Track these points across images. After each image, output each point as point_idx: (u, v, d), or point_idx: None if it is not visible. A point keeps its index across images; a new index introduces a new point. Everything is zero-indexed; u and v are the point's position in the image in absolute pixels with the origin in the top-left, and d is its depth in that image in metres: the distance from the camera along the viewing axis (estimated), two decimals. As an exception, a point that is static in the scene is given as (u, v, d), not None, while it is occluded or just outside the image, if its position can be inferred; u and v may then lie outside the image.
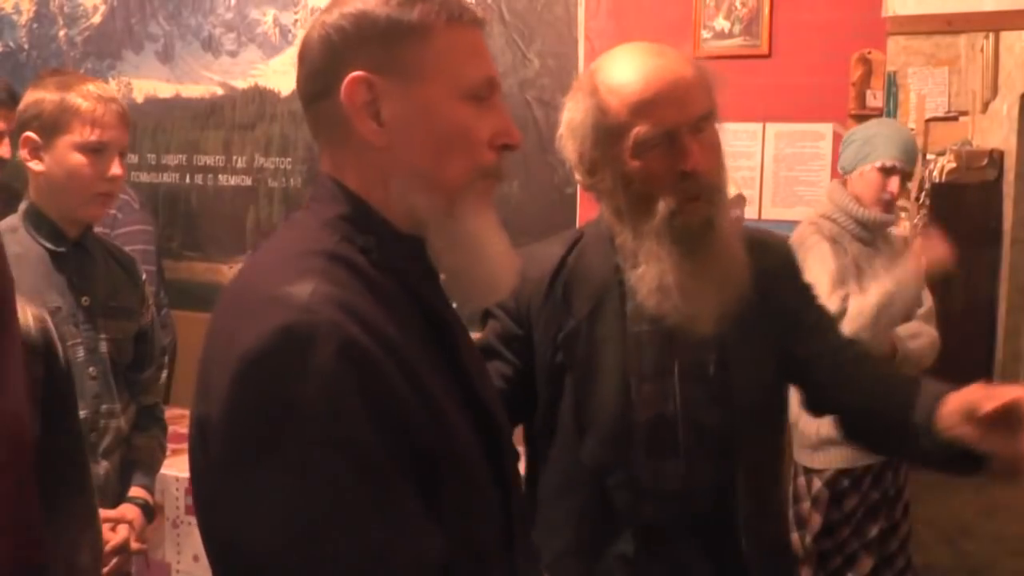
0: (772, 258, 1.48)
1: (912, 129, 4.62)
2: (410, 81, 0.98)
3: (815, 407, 1.53)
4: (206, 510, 0.93)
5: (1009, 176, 4.15)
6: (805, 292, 1.53)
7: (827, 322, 1.53)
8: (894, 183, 2.61)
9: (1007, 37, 4.06)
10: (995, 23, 3.16)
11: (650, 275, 1.35)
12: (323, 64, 1.00)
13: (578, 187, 3.29)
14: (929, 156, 4.50)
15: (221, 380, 0.87)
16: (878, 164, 2.58)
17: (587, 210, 3.25)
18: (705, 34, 3.09)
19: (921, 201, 4.43)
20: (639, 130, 1.31)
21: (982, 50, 4.47)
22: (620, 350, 1.39)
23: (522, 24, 3.37)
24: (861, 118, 2.91)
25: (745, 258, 1.38)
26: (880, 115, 3.02)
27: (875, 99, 3.08)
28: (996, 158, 4.26)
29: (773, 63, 2.96)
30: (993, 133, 4.45)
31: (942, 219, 4.10)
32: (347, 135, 0.99)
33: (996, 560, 3.37)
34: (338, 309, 0.88)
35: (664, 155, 1.32)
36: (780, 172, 3.07)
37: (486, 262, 1.02)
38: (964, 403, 1.23)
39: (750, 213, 3.09)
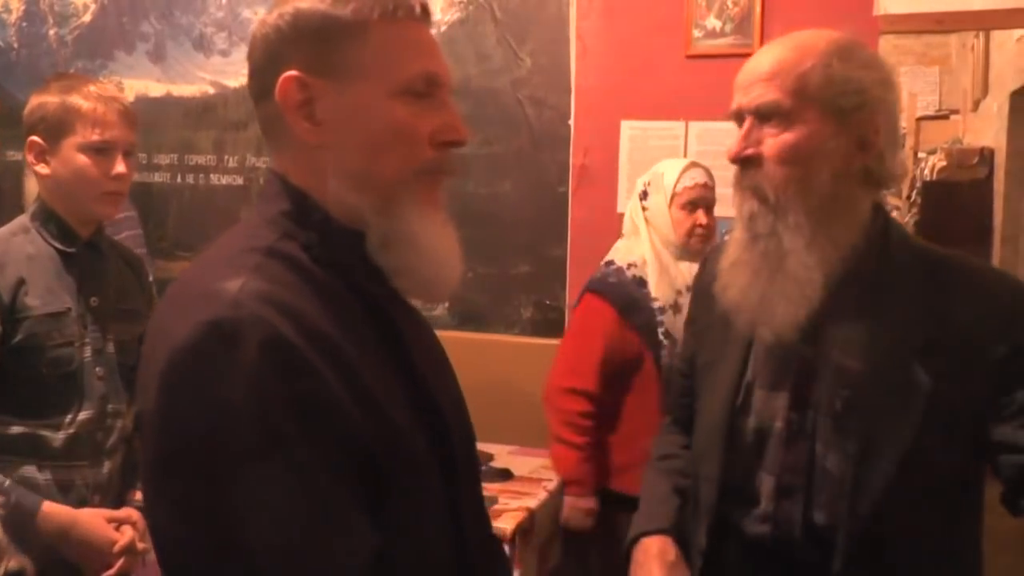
0: (975, 306, 1.24)
1: (903, 127, 4.65)
2: (344, 79, 0.97)
3: (1010, 506, 1.28)
4: (144, 503, 0.93)
5: (999, 174, 4.16)
6: (1016, 367, 1.22)
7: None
8: None
9: (997, 36, 4.07)
10: (985, 22, 3.17)
11: (724, 263, 1.34)
12: (263, 64, 1.00)
13: (570, 185, 3.30)
14: (920, 154, 4.52)
15: (152, 376, 0.88)
16: None
17: (579, 209, 3.25)
18: (696, 33, 3.10)
19: (912, 199, 4.44)
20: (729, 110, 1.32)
21: (972, 49, 4.49)
22: (743, 351, 1.36)
23: (514, 23, 3.36)
24: (852, 117, 2.91)
25: (815, 274, 1.24)
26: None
27: (866, 98, 3.08)
28: (987, 156, 4.27)
29: (765, 62, 2.96)
30: (984, 131, 4.46)
31: (933, 217, 4.12)
32: (286, 134, 1.00)
33: (988, 556, 3.38)
34: (267, 305, 0.87)
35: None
36: (772, 170, 3.07)
37: (426, 261, 1.01)
38: None
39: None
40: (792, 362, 1.30)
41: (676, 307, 2.37)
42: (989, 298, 1.25)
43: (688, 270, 2.38)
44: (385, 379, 0.96)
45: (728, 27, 3.06)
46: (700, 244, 2.39)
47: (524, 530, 2.41)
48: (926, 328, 1.23)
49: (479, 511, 1.13)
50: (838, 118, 1.23)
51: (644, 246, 2.44)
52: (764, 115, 1.25)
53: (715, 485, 1.36)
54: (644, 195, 2.48)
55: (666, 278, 2.40)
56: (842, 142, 1.23)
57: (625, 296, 2.39)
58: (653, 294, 2.39)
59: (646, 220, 2.46)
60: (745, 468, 1.34)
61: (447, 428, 1.03)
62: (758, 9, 3.02)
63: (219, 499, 0.84)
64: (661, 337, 2.36)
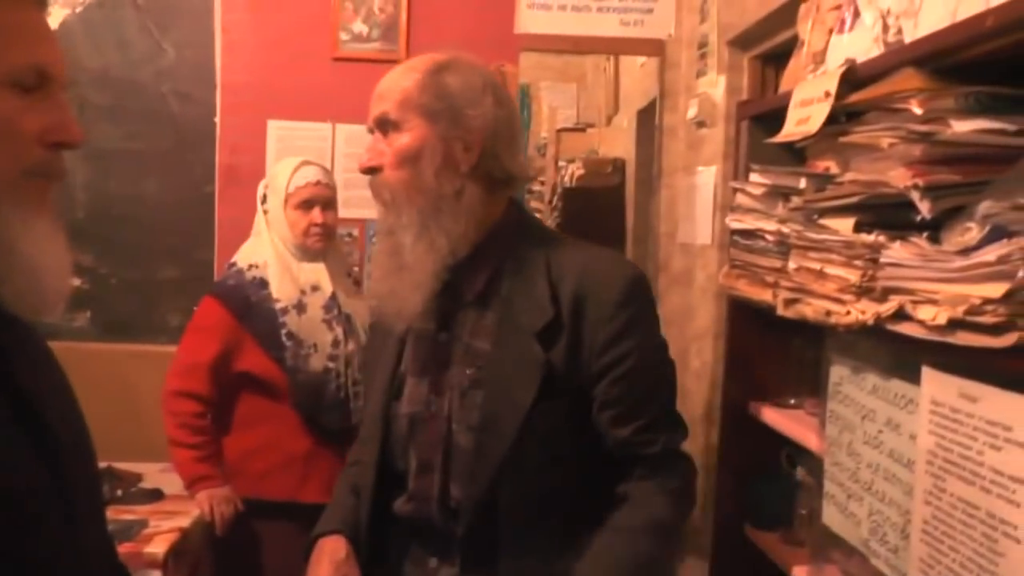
0: (589, 290, 1.37)
1: (545, 137, 4.98)
2: None
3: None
4: None
5: (630, 182, 4.57)
6: (612, 356, 1.36)
7: (610, 413, 1.37)
8: None
9: (626, 60, 4.49)
10: (615, 47, 3.49)
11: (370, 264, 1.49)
12: None
13: (216, 185, 3.18)
14: (561, 163, 4.87)
15: None
16: None
17: (226, 210, 3.14)
18: (343, 36, 3.12)
19: (554, 204, 4.77)
20: None
21: (605, 70, 4.92)
22: (399, 343, 1.47)
23: (157, 10, 3.18)
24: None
25: (425, 264, 1.36)
26: (514, 123, 3.20)
27: (509, 108, 3.26)
28: (619, 165, 4.70)
29: (413, 69, 3.04)
30: (616, 143, 4.91)
31: (574, 219, 4.44)
32: None
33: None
34: None
35: None
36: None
37: (29, 272, 0.91)
38: None
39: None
40: (433, 349, 1.43)
41: (300, 307, 2.37)
42: (602, 283, 1.38)
43: (311, 270, 2.40)
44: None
45: (375, 32, 3.12)
46: (319, 243, 2.40)
47: (177, 552, 2.28)
48: (546, 309, 1.36)
49: (102, 545, 1.05)
50: (435, 122, 1.37)
51: (266, 247, 2.41)
52: (380, 126, 1.40)
53: (373, 471, 1.46)
54: (264, 198, 2.47)
55: (288, 278, 2.38)
56: (443, 143, 1.37)
57: (242, 299, 2.36)
58: (275, 295, 2.36)
59: (267, 222, 2.44)
60: (399, 453, 1.45)
61: (61, 459, 0.93)
62: (404, 18, 3.10)
63: None
64: (284, 339, 2.34)
